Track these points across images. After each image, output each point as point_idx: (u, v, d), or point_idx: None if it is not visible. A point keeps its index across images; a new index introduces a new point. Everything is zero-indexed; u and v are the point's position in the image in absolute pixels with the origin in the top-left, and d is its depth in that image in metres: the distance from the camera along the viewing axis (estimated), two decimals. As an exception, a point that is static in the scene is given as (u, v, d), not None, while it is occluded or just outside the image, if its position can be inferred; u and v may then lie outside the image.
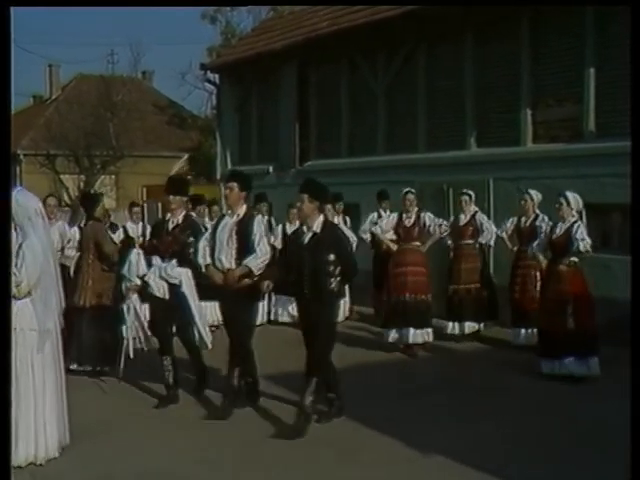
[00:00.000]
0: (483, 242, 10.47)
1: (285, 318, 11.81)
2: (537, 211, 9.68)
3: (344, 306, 12.00)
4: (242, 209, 7.06)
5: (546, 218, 9.43)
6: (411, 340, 9.52)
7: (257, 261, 6.85)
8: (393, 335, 9.64)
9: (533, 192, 9.64)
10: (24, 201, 5.53)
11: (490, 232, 10.43)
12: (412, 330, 9.48)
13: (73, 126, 32.60)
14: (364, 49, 13.79)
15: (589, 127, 10.60)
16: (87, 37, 66.94)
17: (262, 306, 11.68)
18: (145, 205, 20.12)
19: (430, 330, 9.66)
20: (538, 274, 9.30)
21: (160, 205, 18.30)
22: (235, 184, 7.06)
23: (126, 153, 31.51)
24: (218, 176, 17.51)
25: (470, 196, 10.54)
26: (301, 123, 15.20)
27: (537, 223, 9.44)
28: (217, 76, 17.90)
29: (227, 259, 6.94)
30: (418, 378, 8.56)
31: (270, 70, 15.64)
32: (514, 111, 11.49)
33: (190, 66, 31.65)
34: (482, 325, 10.43)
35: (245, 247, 6.89)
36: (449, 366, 9.15)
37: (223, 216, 7.32)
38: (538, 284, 9.30)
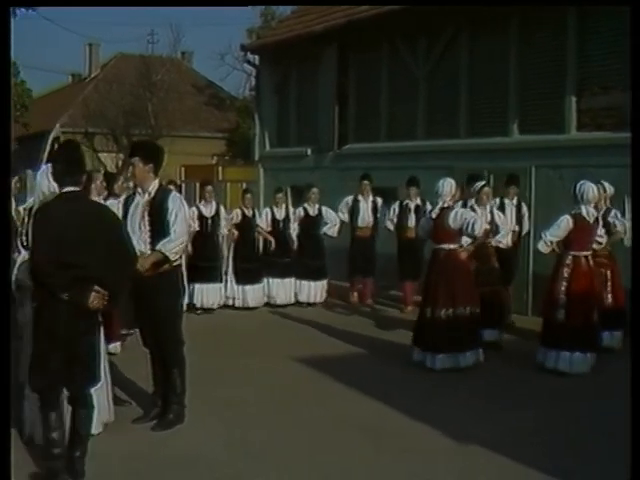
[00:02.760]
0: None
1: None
2: (609, 204, 9.21)
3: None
4: (153, 185, 6.17)
5: (619, 214, 9.26)
6: None
7: (172, 244, 5.99)
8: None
9: (606, 184, 9.07)
10: (39, 181, 5.55)
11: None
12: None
13: (112, 105, 32.82)
14: (405, 33, 13.62)
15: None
16: (127, 17, 67.20)
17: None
18: (183, 185, 20.18)
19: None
20: (609, 273, 9.04)
21: (198, 185, 18.31)
22: (137, 158, 6.15)
23: (164, 133, 31.63)
24: (256, 157, 17.49)
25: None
26: (340, 106, 15.09)
27: (609, 218, 9.04)
28: (257, 57, 17.82)
29: (140, 245, 5.96)
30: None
31: (310, 52, 15.53)
32: (558, 98, 11.29)
33: (229, 47, 31.71)
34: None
35: (160, 229, 6.02)
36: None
37: (133, 195, 6.36)
38: (609, 284, 9.04)
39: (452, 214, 8.19)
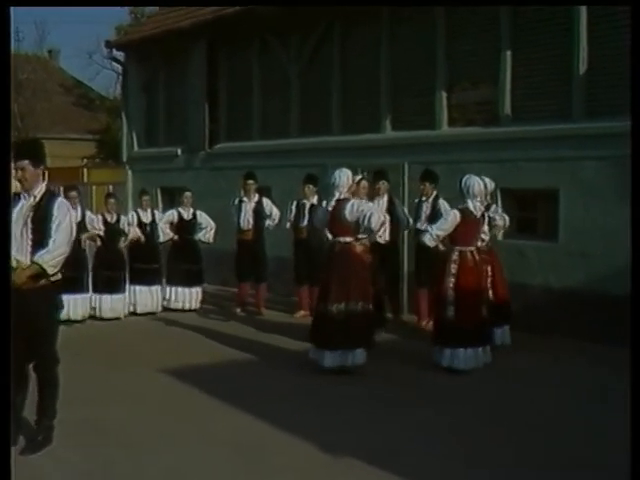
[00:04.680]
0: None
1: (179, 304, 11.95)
2: (489, 199, 9.12)
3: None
4: (39, 189, 5.64)
5: (499, 208, 9.52)
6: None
7: (49, 256, 5.44)
8: None
9: (487, 180, 8.72)
10: None
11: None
12: None
13: (-26, 106, 31.28)
14: (276, 29, 13.33)
15: (505, 111, 10.41)
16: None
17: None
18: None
19: None
20: (490, 268, 8.81)
21: (62, 189, 17.54)
22: (27, 162, 5.59)
23: (32, 135, 30.33)
24: (124, 159, 16.85)
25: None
26: (211, 104, 14.67)
27: (490, 213, 8.99)
28: (123, 54, 17.18)
29: (20, 254, 5.46)
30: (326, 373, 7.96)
31: (178, 49, 15.04)
32: (429, 94, 11.22)
33: (98, 46, 30.76)
34: None
35: (42, 238, 5.49)
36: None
37: (17, 198, 5.68)
38: (489, 280, 8.76)
39: (348, 206, 7.85)
